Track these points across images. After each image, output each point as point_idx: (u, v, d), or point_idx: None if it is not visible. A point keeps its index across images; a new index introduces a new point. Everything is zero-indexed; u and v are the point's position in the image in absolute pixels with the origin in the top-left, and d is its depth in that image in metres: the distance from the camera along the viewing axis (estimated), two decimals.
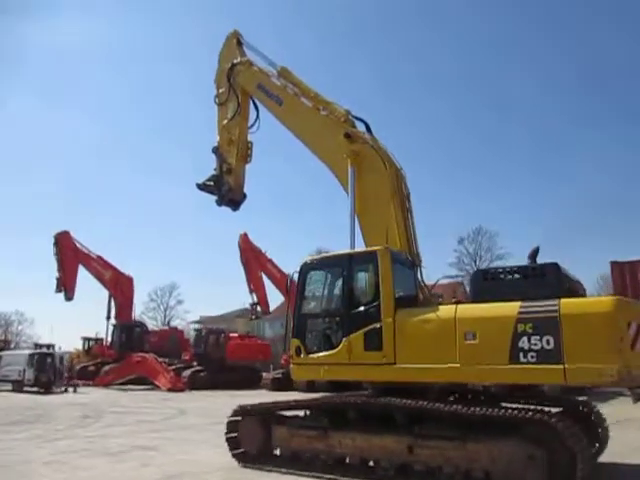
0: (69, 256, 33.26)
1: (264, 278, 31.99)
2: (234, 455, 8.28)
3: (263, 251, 31.92)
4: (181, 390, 25.62)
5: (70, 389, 26.97)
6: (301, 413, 8.12)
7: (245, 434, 8.31)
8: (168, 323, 46.56)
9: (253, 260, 31.39)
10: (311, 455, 7.62)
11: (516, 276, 7.08)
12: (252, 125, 11.86)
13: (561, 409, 7.66)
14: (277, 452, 8.08)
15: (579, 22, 73.41)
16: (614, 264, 13.99)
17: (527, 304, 6.37)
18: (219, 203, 11.74)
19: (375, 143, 9.41)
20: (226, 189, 11.56)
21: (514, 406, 6.92)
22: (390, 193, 8.80)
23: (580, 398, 8.93)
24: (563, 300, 6.27)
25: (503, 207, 71.88)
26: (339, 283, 7.90)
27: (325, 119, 9.97)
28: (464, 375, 6.72)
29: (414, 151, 74.07)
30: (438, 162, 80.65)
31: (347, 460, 7.42)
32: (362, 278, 7.94)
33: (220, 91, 12.04)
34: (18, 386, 27.11)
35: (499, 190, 74.73)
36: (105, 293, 34.74)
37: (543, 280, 6.78)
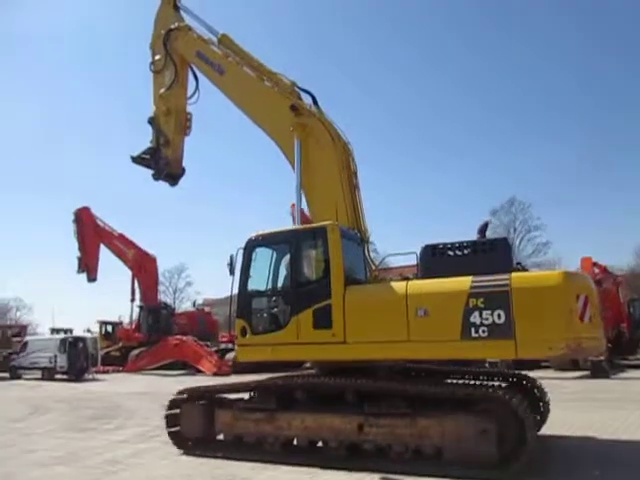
0: (90, 234, 30.33)
1: None
2: (174, 442, 7.86)
3: None
4: (227, 374, 22.07)
5: (97, 376, 25.09)
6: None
7: (187, 419, 7.89)
8: (193, 304, 44.27)
9: None
10: (257, 439, 7.33)
11: (466, 251, 7.01)
12: (191, 96, 11.21)
13: (507, 383, 7.76)
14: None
15: None
16: None
17: (478, 279, 6.29)
18: (156, 177, 11.05)
19: (322, 116, 9.08)
20: (163, 163, 10.89)
21: (465, 382, 6.90)
22: (338, 168, 8.53)
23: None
24: (514, 274, 6.25)
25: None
26: (286, 260, 7.57)
27: (270, 90, 9.52)
28: (416, 351, 6.59)
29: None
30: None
31: (295, 442, 7.19)
32: (310, 255, 7.62)
33: (156, 58, 11.26)
34: (49, 374, 24.92)
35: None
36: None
37: (493, 255, 6.75)
